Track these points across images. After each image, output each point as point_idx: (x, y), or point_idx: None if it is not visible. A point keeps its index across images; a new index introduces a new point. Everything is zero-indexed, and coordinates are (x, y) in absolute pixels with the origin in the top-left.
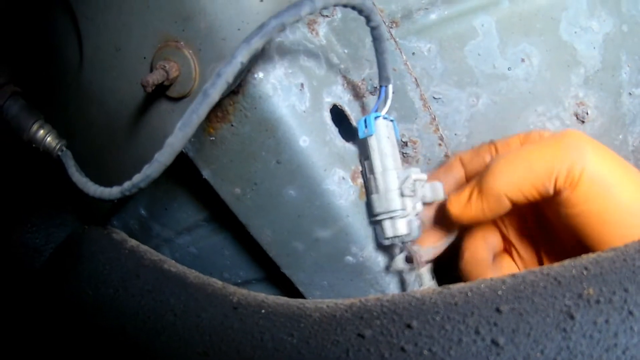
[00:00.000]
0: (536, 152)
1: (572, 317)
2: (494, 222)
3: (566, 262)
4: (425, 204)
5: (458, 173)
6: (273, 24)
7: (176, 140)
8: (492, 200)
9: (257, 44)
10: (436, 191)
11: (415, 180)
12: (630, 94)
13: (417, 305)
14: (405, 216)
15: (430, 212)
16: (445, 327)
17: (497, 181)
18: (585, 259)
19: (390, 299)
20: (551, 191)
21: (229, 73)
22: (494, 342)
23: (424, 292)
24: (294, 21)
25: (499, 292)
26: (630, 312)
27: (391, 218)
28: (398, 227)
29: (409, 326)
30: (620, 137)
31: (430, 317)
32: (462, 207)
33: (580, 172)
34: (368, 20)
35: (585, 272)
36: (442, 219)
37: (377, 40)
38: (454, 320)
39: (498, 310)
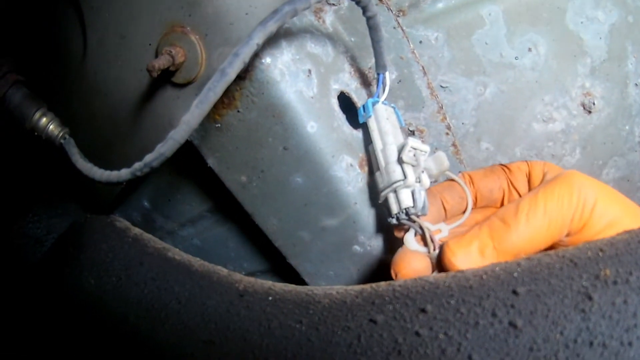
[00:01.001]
0: (549, 198)
1: (590, 298)
2: None
3: (581, 244)
4: (431, 178)
5: (461, 191)
6: (286, 9)
7: (192, 118)
8: (509, 256)
9: (271, 27)
10: (440, 162)
11: (414, 148)
12: (636, 84)
13: (430, 290)
14: (408, 186)
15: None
16: (460, 311)
17: (520, 238)
18: (600, 241)
19: (402, 284)
20: (565, 235)
21: (246, 53)
22: (512, 324)
23: (437, 277)
24: (304, 8)
25: (515, 274)
26: None
27: (394, 191)
28: (402, 199)
29: (423, 310)
30: (627, 127)
31: (445, 300)
32: (471, 262)
33: (591, 209)
34: (365, 10)
35: (600, 254)
36: (454, 194)
37: (372, 29)
38: (469, 304)
39: (515, 292)
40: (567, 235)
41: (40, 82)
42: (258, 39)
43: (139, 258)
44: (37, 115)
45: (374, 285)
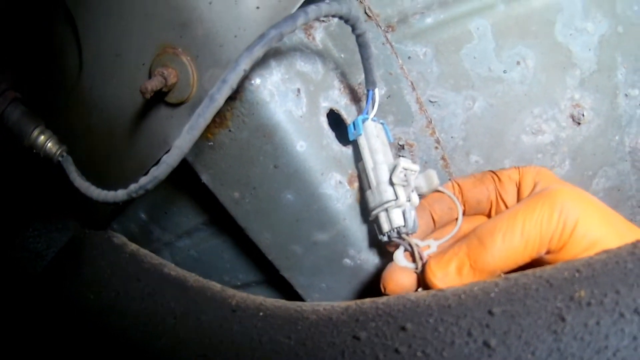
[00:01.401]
0: (528, 217)
1: (563, 319)
2: None
3: (559, 264)
4: (421, 195)
5: (450, 202)
6: (272, 34)
7: (184, 143)
8: (486, 275)
9: (258, 52)
10: (430, 180)
11: (405, 169)
12: (626, 95)
13: (411, 308)
14: (399, 206)
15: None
16: (438, 329)
17: (495, 258)
18: (578, 261)
19: (385, 302)
20: (544, 253)
21: (233, 79)
22: (486, 344)
23: (418, 295)
24: (290, 31)
25: (492, 295)
26: (622, 314)
27: (385, 210)
28: (393, 218)
29: (403, 328)
30: (617, 138)
31: (424, 319)
32: (450, 281)
33: (572, 229)
34: (353, 28)
35: (577, 274)
36: (446, 209)
37: (362, 46)
38: (447, 322)
39: (490, 312)
40: (548, 253)
41: (38, 96)
42: (245, 64)
43: (136, 274)
44: (35, 133)
45: (358, 302)
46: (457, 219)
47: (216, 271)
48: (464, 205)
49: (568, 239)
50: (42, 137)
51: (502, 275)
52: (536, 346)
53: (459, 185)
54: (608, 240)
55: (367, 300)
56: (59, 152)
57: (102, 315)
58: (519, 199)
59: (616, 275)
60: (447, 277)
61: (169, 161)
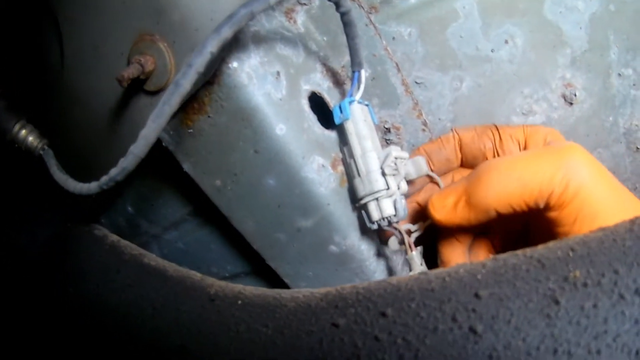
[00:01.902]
0: (532, 166)
1: (556, 302)
2: None
3: (551, 243)
4: (409, 181)
5: (451, 152)
6: (242, 13)
7: (149, 132)
8: (480, 212)
9: (226, 33)
10: (419, 166)
11: (396, 158)
12: (619, 74)
13: (392, 292)
14: (390, 196)
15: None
16: (420, 315)
17: (488, 194)
18: (572, 239)
19: (366, 287)
20: (542, 206)
21: (199, 63)
22: (472, 330)
23: (400, 279)
24: (263, 9)
25: (478, 277)
26: (622, 296)
27: (376, 199)
28: (384, 208)
29: (383, 314)
30: (611, 119)
31: (406, 304)
32: (446, 214)
33: (574, 193)
34: (338, 5)
35: (571, 254)
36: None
37: (347, 25)
38: (429, 307)
39: (477, 295)
40: (548, 209)
41: (21, 90)
42: (212, 47)
43: (116, 265)
44: (17, 127)
45: (339, 288)
46: (453, 171)
47: (204, 262)
48: (461, 158)
49: (570, 200)
50: (23, 131)
51: (493, 259)
52: (527, 332)
53: (459, 136)
54: (611, 214)
55: (348, 285)
56: (40, 145)
57: (82, 308)
58: None
59: (614, 253)
60: (443, 210)
61: (136, 152)
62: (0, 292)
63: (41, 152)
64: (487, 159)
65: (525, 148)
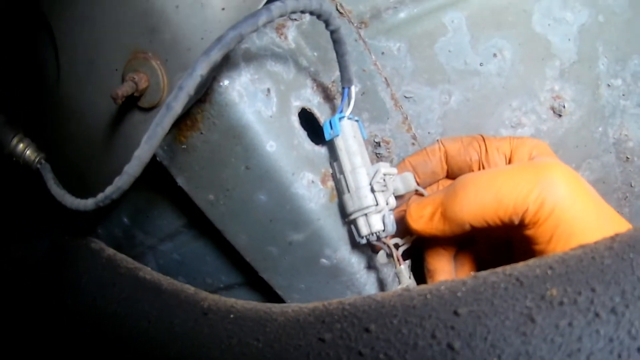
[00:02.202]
0: (509, 182)
1: (532, 320)
2: None
3: (531, 261)
4: (398, 197)
5: (437, 164)
6: (231, 35)
7: (143, 153)
8: (455, 225)
9: (215, 56)
10: (407, 182)
11: (385, 175)
12: (608, 85)
13: (376, 309)
14: (379, 211)
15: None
16: (402, 331)
17: (463, 208)
18: (552, 257)
19: (351, 302)
20: (517, 223)
21: (190, 86)
22: (450, 347)
23: (385, 295)
24: (251, 31)
25: (459, 294)
26: (597, 314)
27: (365, 215)
28: (373, 224)
29: (367, 330)
30: (600, 129)
31: (388, 320)
32: (423, 224)
33: (550, 211)
34: (327, 24)
35: (549, 272)
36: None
37: (337, 42)
38: (410, 324)
39: (456, 312)
40: (524, 227)
41: (18, 103)
42: (201, 69)
43: (112, 279)
44: (15, 141)
45: (325, 303)
46: (439, 181)
47: (199, 274)
48: (447, 170)
49: (545, 219)
50: (20, 145)
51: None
52: (503, 349)
53: (445, 148)
54: (589, 233)
55: (335, 301)
56: (37, 159)
57: (79, 321)
58: None
59: (592, 272)
60: (420, 220)
61: (130, 171)
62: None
63: (38, 166)
64: (473, 170)
65: (510, 161)
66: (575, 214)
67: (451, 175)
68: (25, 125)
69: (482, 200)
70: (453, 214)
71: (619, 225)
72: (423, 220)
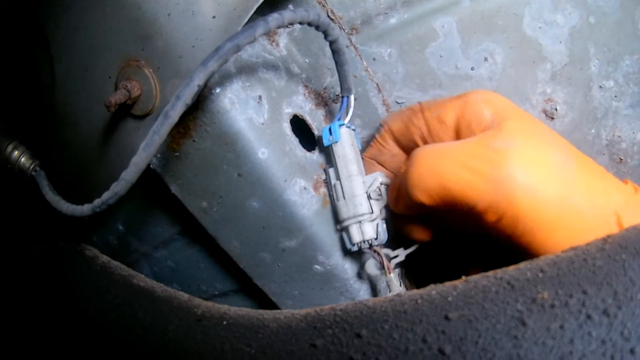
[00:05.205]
0: (460, 180)
1: (523, 324)
2: None
3: (522, 264)
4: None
5: (393, 147)
6: (228, 46)
7: (140, 160)
8: (412, 205)
9: (213, 66)
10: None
11: (381, 184)
12: (600, 87)
13: (367, 314)
14: (372, 220)
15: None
16: (393, 336)
17: (413, 192)
18: (543, 260)
19: (343, 308)
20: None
21: (187, 95)
22: (441, 351)
23: (376, 301)
24: (248, 42)
25: (449, 299)
26: (589, 316)
27: (358, 222)
28: (365, 231)
29: (358, 335)
30: (593, 131)
31: (379, 325)
32: (394, 206)
33: (504, 211)
34: (326, 35)
35: (540, 275)
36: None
37: (336, 53)
38: (401, 329)
39: (447, 317)
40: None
41: (14, 111)
42: (199, 80)
43: (106, 286)
44: (9, 148)
45: (317, 309)
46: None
47: (194, 281)
48: (400, 146)
49: (500, 217)
50: (16, 152)
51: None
52: (494, 353)
53: (390, 128)
54: (555, 223)
55: (327, 307)
56: (32, 166)
57: (74, 327)
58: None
59: (583, 274)
60: (391, 203)
61: (127, 178)
62: None
63: (33, 173)
64: (418, 145)
65: (459, 130)
66: (535, 205)
67: (406, 149)
68: (20, 132)
69: (428, 185)
70: (405, 196)
71: (595, 192)
72: (392, 203)
